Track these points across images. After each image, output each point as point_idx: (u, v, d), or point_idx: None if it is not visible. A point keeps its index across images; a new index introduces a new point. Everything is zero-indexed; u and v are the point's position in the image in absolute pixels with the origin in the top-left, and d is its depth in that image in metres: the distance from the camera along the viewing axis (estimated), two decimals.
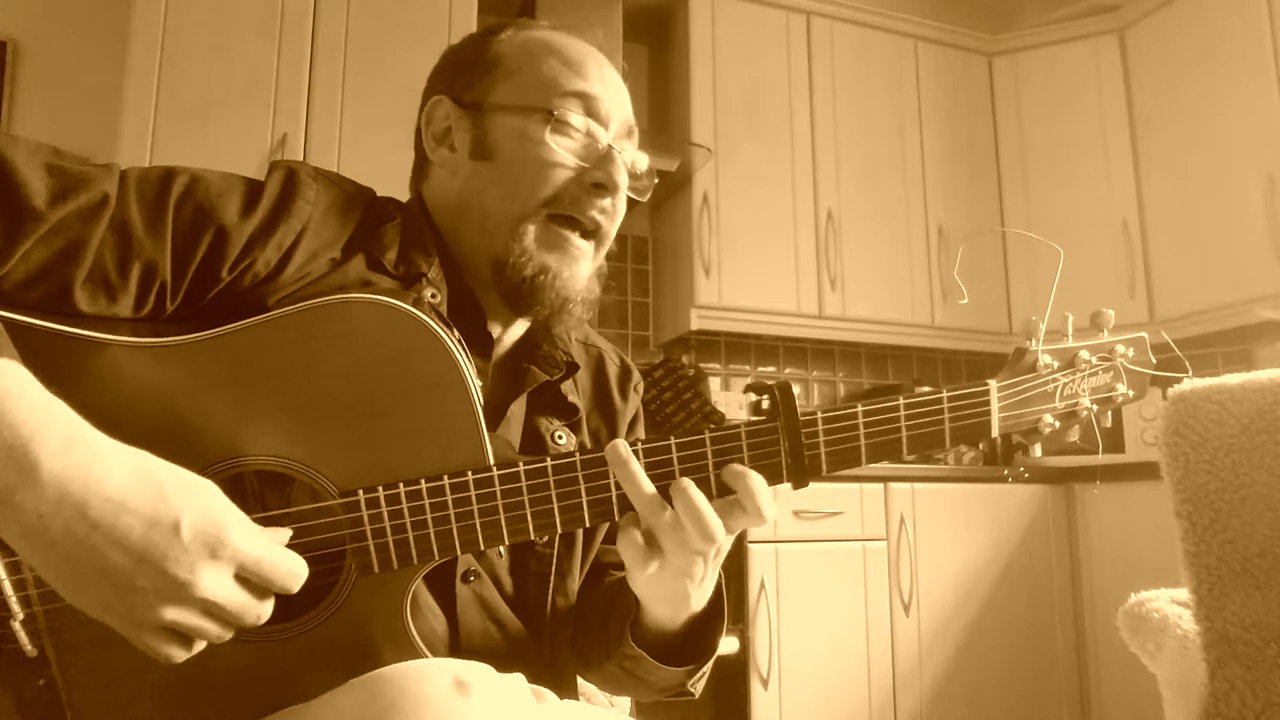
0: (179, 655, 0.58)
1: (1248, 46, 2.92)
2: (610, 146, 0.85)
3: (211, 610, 0.57)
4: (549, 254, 0.83)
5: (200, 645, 0.59)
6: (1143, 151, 3.29)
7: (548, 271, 0.82)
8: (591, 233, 0.85)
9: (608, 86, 0.86)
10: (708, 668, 0.87)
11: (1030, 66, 3.52)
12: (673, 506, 0.68)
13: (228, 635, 0.59)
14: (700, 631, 0.83)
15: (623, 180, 0.84)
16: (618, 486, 0.70)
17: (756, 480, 0.70)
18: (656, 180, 0.93)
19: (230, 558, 0.57)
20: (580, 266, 0.85)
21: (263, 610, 0.60)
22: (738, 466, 0.70)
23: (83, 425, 0.55)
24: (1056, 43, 3.48)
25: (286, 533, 0.63)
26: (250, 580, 0.59)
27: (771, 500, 0.70)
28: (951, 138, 3.45)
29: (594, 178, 0.83)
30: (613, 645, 0.84)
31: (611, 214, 0.86)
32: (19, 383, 0.54)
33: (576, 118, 0.84)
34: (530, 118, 0.83)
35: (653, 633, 0.82)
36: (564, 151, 0.83)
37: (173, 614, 0.56)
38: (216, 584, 0.56)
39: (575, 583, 0.89)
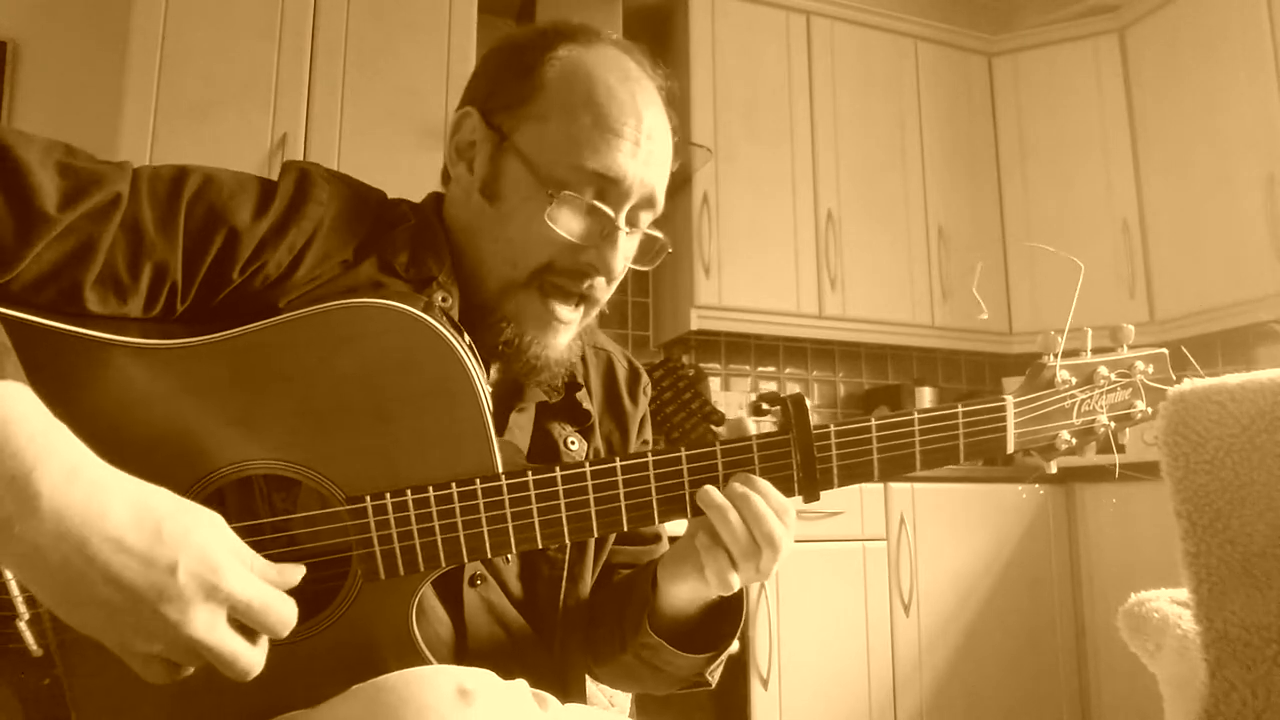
0: (165, 680, 0.58)
1: (1248, 46, 2.92)
2: (616, 229, 0.79)
3: (200, 653, 0.56)
4: (528, 325, 0.80)
5: (188, 670, 0.59)
6: (1143, 151, 3.29)
7: (523, 337, 0.80)
8: (584, 300, 0.83)
9: (640, 154, 0.79)
10: (725, 655, 0.87)
11: (1030, 66, 3.51)
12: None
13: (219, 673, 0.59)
14: (717, 618, 0.84)
15: (619, 266, 0.81)
16: (627, 497, 0.70)
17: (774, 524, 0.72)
18: (670, 251, 0.87)
19: (224, 600, 0.56)
20: (560, 338, 0.82)
21: (254, 656, 0.58)
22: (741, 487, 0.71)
23: (85, 454, 0.55)
24: (1056, 42, 3.48)
25: (300, 570, 0.62)
26: (243, 624, 0.58)
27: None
28: (951, 138, 3.45)
29: (589, 257, 0.79)
30: (629, 636, 0.85)
31: (604, 289, 0.83)
32: (22, 408, 0.53)
33: (587, 192, 0.78)
34: (538, 181, 0.78)
35: (670, 621, 0.82)
36: (563, 229, 0.78)
37: (161, 649, 0.55)
38: (207, 627, 0.55)
39: (587, 586, 0.89)
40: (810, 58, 3.26)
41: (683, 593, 0.80)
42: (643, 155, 0.80)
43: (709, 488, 0.71)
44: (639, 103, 0.81)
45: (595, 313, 0.86)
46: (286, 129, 2.43)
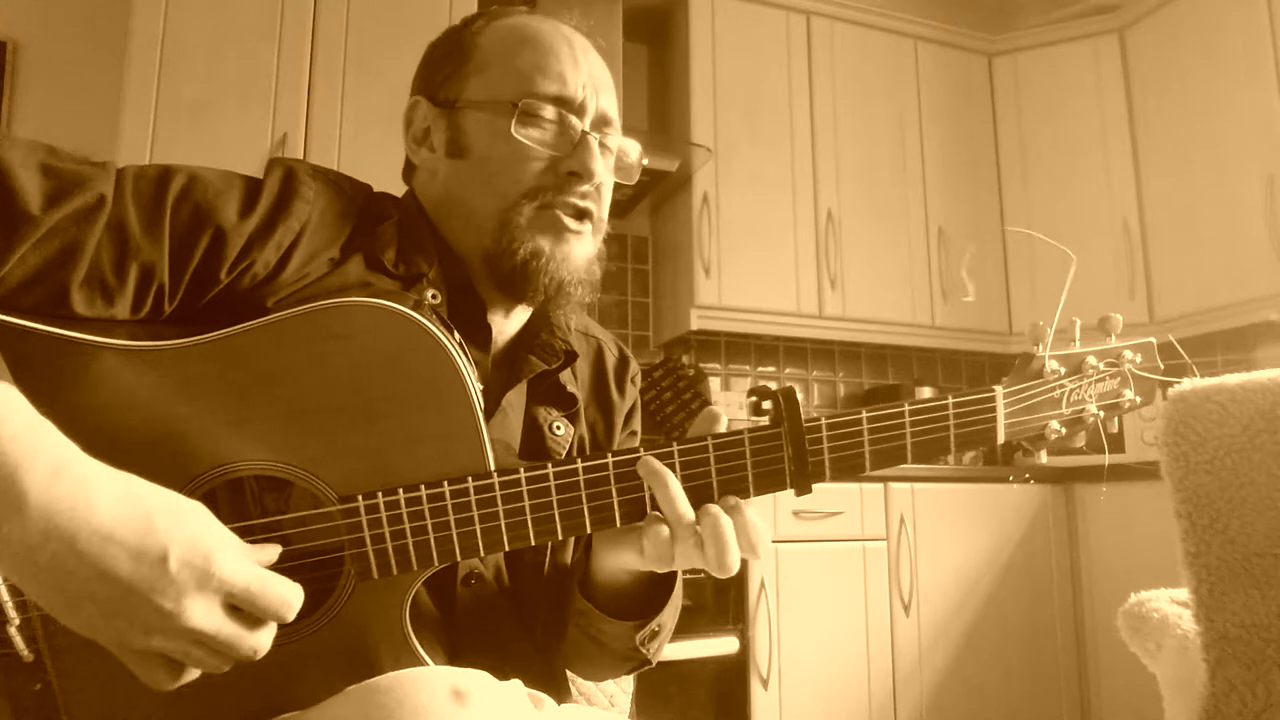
0: (168, 683, 0.57)
1: (1248, 46, 2.91)
2: (584, 133, 0.83)
3: (201, 641, 0.56)
4: (541, 236, 0.82)
5: (192, 674, 0.58)
6: (1143, 151, 3.29)
7: (540, 255, 0.81)
8: (583, 213, 0.84)
9: (581, 71, 0.84)
10: (660, 627, 0.85)
11: (1030, 66, 3.51)
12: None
13: (224, 666, 0.58)
14: (651, 589, 0.83)
15: (598, 166, 0.83)
16: (619, 493, 0.70)
17: (759, 532, 0.70)
18: (646, 162, 0.92)
19: (217, 588, 0.55)
20: (575, 247, 0.83)
21: (258, 640, 0.58)
22: (734, 500, 0.71)
23: (71, 450, 0.54)
24: (1056, 43, 3.48)
25: (275, 550, 0.62)
26: (243, 610, 0.57)
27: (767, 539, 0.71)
28: (951, 138, 3.45)
29: (568, 166, 0.82)
30: (567, 603, 0.85)
31: (596, 198, 0.85)
32: (5, 407, 0.53)
33: (546, 108, 0.82)
34: (499, 112, 0.82)
35: (608, 589, 0.81)
36: (534, 143, 0.81)
37: (160, 643, 0.55)
38: (204, 615, 0.55)
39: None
40: (810, 58, 3.26)
41: (618, 561, 0.78)
42: (586, 68, 0.85)
43: (648, 457, 0.69)
44: (564, 33, 0.87)
45: (600, 234, 0.87)
46: (286, 129, 2.43)
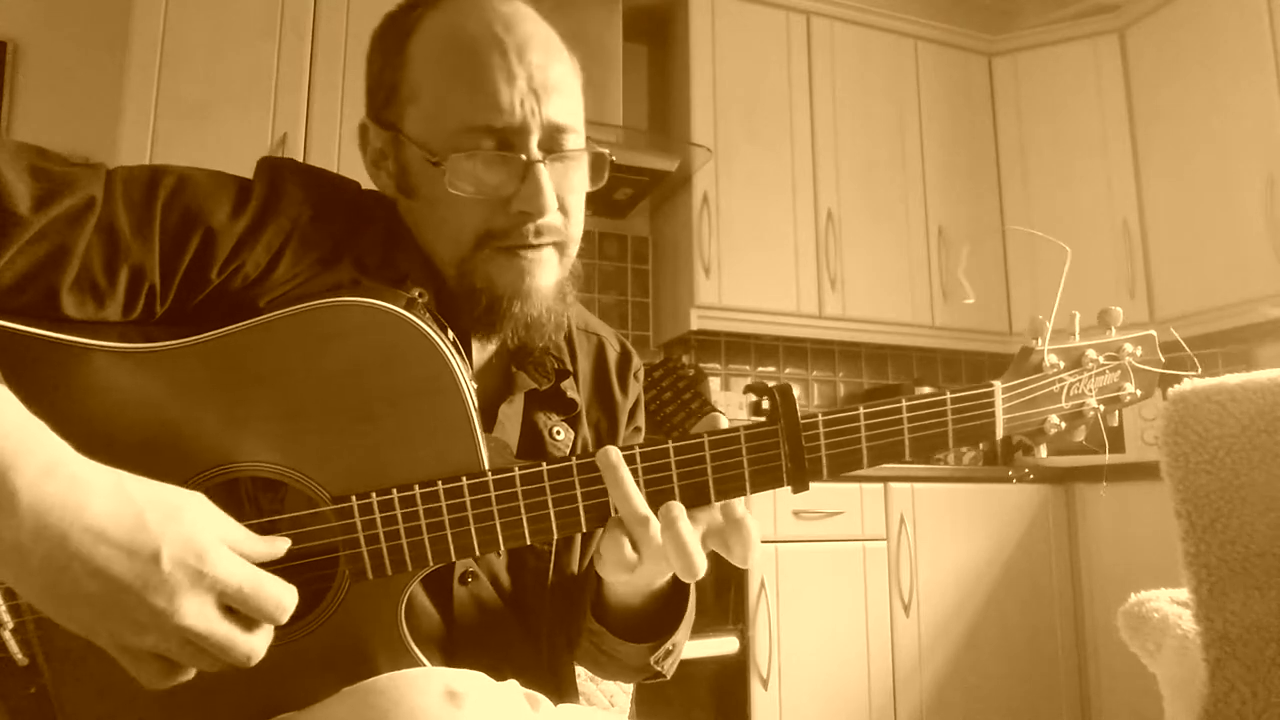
0: (163, 682, 0.57)
1: (1248, 46, 2.91)
2: (528, 165, 0.76)
3: (193, 641, 0.56)
4: (498, 279, 0.77)
5: (188, 674, 0.58)
6: (1143, 151, 3.28)
7: (502, 298, 0.77)
8: (546, 242, 0.79)
9: (517, 84, 0.75)
10: (674, 645, 0.85)
11: (1030, 66, 3.51)
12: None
13: (218, 666, 0.58)
14: (663, 608, 0.82)
15: (549, 201, 0.76)
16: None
17: (752, 530, 0.69)
18: (614, 157, 0.82)
19: (210, 586, 0.55)
20: (538, 280, 0.78)
21: (253, 641, 0.58)
22: (741, 510, 0.69)
23: (62, 449, 0.54)
24: (1056, 43, 3.47)
25: (285, 542, 0.62)
26: (238, 610, 0.57)
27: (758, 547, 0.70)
28: (951, 138, 3.45)
29: (516, 205, 0.76)
30: (581, 621, 0.84)
31: (559, 229, 0.80)
32: None
33: (483, 144, 0.75)
34: (434, 158, 0.76)
35: (620, 609, 0.81)
36: (474, 189, 0.76)
37: (154, 642, 0.55)
38: (198, 614, 0.55)
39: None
40: (810, 58, 3.26)
41: (618, 587, 0.77)
42: (522, 80, 0.76)
43: (607, 448, 0.68)
44: (498, 31, 0.77)
45: (569, 254, 0.82)
46: (286, 129, 2.43)
